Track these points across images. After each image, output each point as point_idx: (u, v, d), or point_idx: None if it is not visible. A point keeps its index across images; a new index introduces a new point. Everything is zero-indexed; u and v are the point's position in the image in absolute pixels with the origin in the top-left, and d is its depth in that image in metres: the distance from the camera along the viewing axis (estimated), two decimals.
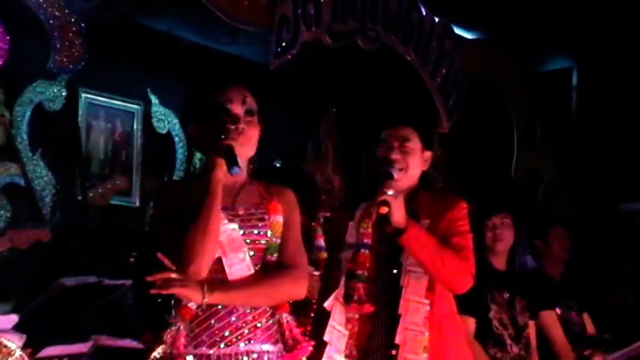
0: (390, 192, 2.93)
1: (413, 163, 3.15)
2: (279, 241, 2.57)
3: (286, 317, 2.56)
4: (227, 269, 2.45)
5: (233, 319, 2.44)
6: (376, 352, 3.06)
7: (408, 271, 3.05)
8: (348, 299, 3.01)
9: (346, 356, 3.05)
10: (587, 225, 6.46)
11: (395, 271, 3.08)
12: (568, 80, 7.22)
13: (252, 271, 2.48)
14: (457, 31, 6.49)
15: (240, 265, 2.46)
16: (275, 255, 2.56)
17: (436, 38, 6.15)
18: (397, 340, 3.00)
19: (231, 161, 2.44)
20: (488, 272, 4.27)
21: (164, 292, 2.29)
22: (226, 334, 2.42)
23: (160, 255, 2.31)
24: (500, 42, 6.88)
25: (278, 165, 6.29)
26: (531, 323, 4.40)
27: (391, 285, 3.08)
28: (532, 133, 7.07)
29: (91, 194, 5.21)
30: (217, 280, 2.43)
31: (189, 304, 2.40)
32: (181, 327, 2.39)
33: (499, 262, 4.39)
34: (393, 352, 3.02)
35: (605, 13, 6.38)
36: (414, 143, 3.16)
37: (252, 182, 2.63)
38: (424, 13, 6.06)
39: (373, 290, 3.05)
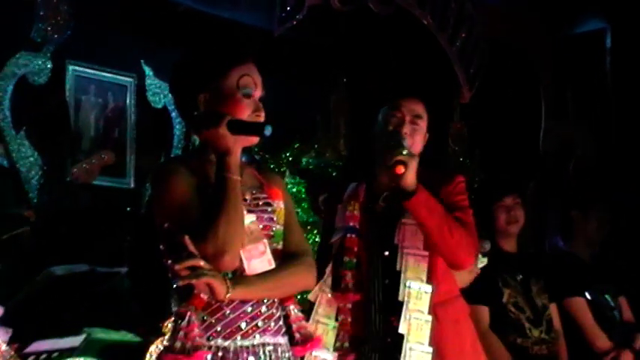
0: (406, 152, 2.94)
1: (417, 143, 3.15)
2: (282, 228, 2.56)
3: (294, 309, 2.54)
4: (245, 262, 2.42)
5: (249, 309, 2.43)
6: (372, 340, 3.05)
7: (405, 253, 3.04)
8: (336, 288, 3.04)
9: (338, 348, 3.04)
10: (624, 201, 6.41)
11: (387, 253, 3.08)
12: (602, 43, 7.11)
13: (273, 265, 2.47)
14: None
15: (260, 258, 2.45)
16: (280, 243, 2.54)
17: (455, 0, 6.10)
18: (401, 329, 2.98)
19: (251, 129, 2.43)
20: (497, 256, 4.26)
21: (194, 281, 2.27)
22: (242, 325, 2.42)
23: (186, 239, 2.27)
24: (525, 2, 6.81)
25: None
26: (552, 306, 4.39)
27: (385, 269, 3.07)
28: (562, 102, 7.01)
29: (75, 170, 5.16)
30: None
31: (201, 295, 2.36)
32: (193, 317, 2.35)
33: (509, 245, 4.37)
34: (389, 340, 3.01)
35: None
36: (423, 121, 3.16)
37: (245, 166, 2.58)
38: None
39: (364, 276, 3.05)
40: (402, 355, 2.95)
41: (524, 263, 4.36)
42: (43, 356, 3.90)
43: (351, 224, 3.08)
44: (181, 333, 2.34)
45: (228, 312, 2.41)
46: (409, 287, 3.00)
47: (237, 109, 2.45)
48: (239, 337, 2.41)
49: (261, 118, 2.48)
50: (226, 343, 2.40)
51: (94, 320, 4.31)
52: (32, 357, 3.90)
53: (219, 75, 2.48)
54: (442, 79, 6.29)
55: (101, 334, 4.13)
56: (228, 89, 2.47)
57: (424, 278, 3.02)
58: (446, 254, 3.03)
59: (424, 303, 3.00)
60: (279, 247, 2.54)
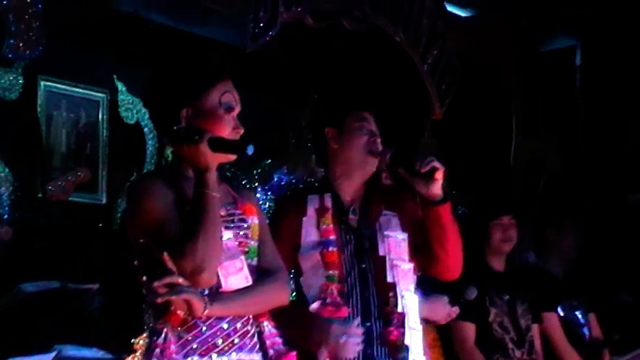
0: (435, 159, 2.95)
1: None
2: (256, 244, 2.57)
3: (267, 325, 2.56)
4: (222, 279, 2.43)
5: (225, 326, 2.43)
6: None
7: (394, 265, 3.04)
8: (324, 303, 3.00)
9: None
10: (594, 217, 6.44)
11: (364, 265, 3.07)
12: (572, 60, 7.17)
13: (250, 282, 2.48)
14: (450, 8, 6.48)
15: (237, 275, 2.46)
16: (255, 259, 2.56)
17: (427, 17, 6.12)
18: (407, 340, 2.99)
19: (232, 147, 2.44)
20: (485, 274, 4.29)
21: (173, 298, 2.28)
22: (219, 342, 2.42)
23: (165, 256, 2.28)
24: (496, 20, 6.85)
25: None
26: (535, 326, 4.41)
27: (363, 282, 3.07)
28: (533, 118, 7.05)
29: (50, 187, 5.11)
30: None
31: (178, 311, 2.36)
32: (170, 334, 2.35)
33: (498, 263, 4.42)
34: (369, 351, 2.99)
35: None
36: None
37: (219, 182, 2.56)
38: None
39: (345, 291, 3.04)
40: None
41: (512, 283, 4.38)
42: None
43: (331, 237, 3.06)
44: (157, 350, 2.34)
45: (204, 329, 2.41)
46: (404, 298, 3.02)
47: (218, 126, 2.48)
48: (215, 355, 2.40)
49: (239, 135, 2.50)
50: None
51: (65, 337, 4.27)
52: None
53: (203, 91, 2.50)
54: (414, 95, 6.30)
55: (72, 351, 4.09)
56: (211, 105, 2.49)
57: (412, 289, 3.05)
58: (452, 263, 3.09)
59: (416, 312, 3.04)
60: (254, 262, 2.55)
